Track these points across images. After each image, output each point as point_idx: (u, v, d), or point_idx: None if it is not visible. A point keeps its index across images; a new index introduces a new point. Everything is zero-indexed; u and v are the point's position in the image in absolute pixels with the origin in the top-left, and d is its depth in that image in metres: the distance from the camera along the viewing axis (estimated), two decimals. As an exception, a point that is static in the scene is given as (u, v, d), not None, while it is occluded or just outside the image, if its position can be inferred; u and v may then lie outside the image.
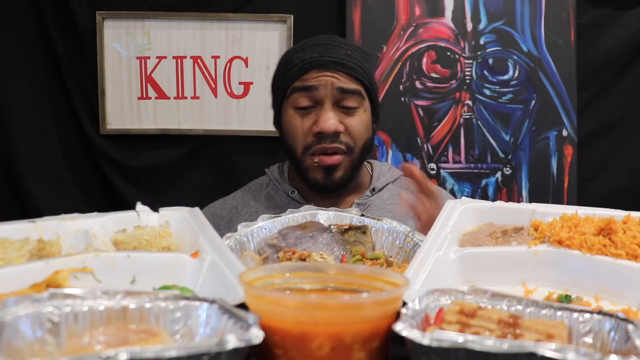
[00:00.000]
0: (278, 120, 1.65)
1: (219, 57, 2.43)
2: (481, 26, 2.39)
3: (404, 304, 0.82)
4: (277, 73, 1.66)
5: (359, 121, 1.57)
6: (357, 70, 1.56)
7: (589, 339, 0.79)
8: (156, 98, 2.44)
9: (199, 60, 2.43)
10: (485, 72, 2.40)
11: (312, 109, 1.55)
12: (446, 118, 2.39)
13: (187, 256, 1.04)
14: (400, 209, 1.54)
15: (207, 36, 2.41)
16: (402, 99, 2.39)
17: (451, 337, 0.69)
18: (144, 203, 1.21)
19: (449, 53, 2.38)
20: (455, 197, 1.66)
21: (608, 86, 2.44)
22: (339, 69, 1.54)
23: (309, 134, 1.55)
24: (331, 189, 1.61)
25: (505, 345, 0.67)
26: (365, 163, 1.73)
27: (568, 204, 2.35)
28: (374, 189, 1.67)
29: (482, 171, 2.41)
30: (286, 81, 1.58)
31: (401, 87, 2.39)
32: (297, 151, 1.58)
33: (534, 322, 0.79)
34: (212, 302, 0.79)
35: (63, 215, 1.13)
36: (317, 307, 0.77)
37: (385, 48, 2.37)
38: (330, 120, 1.52)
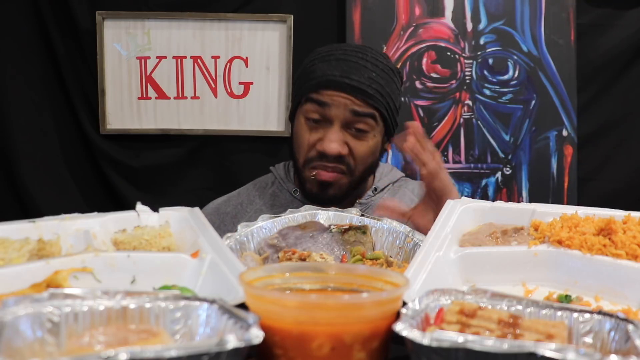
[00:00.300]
0: (293, 116, 1.65)
1: (219, 57, 2.43)
2: (481, 26, 2.39)
3: (404, 304, 0.82)
4: (300, 71, 1.64)
5: (367, 146, 1.56)
6: (375, 98, 1.53)
7: (589, 339, 0.79)
8: (156, 98, 2.44)
9: (199, 60, 2.43)
10: (485, 72, 2.40)
11: (322, 123, 1.54)
12: (446, 118, 2.39)
13: (187, 256, 1.04)
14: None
15: (207, 36, 2.41)
16: (402, 99, 2.39)
17: (451, 337, 0.69)
18: (144, 203, 1.21)
19: (449, 53, 2.38)
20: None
21: (608, 86, 2.43)
22: (356, 94, 1.51)
23: (312, 148, 1.55)
24: (326, 203, 1.58)
25: (505, 345, 0.67)
26: None
27: (568, 204, 2.35)
28: (376, 189, 1.68)
29: (482, 171, 2.41)
30: (304, 88, 1.57)
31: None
32: (299, 161, 1.59)
33: (534, 322, 0.79)
34: (212, 302, 0.79)
35: (63, 215, 1.13)
36: (317, 307, 0.77)
37: (385, 48, 2.37)
38: (334, 143, 1.51)
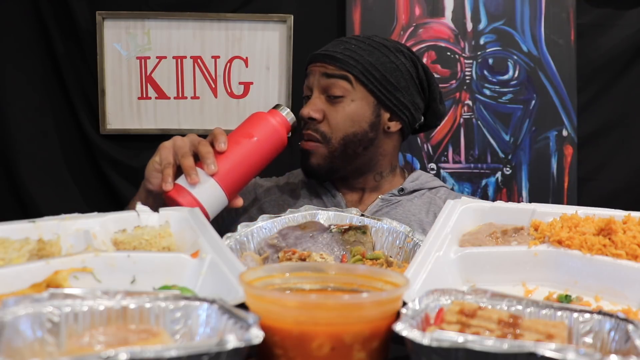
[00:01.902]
0: None
1: (219, 57, 2.43)
2: (481, 26, 2.39)
3: (404, 304, 0.82)
4: None
5: (342, 112, 1.58)
6: (346, 62, 1.58)
7: (589, 339, 0.79)
8: (156, 98, 2.44)
9: (199, 60, 2.43)
10: (485, 72, 2.40)
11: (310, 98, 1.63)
12: (446, 118, 2.39)
13: (187, 256, 1.04)
14: None
15: (207, 36, 2.42)
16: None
17: (451, 337, 0.69)
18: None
19: (449, 53, 2.39)
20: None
21: (608, 86, 2.43)
22: (326, 60, 1.59)
23: (300, 121, 1.63)
24: (310, 175, 1.65)
25: (505, 345, 0.67)
26: (403, 170, 1.76)
27: (568, 204, 2.35)
28: (402, 189, 1.67)
29: (482, 171, 2.41)
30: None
31: (401, 87, 2.39)
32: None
33: (534, 322, 0.79)
34: (212, 302, 0.79)
35: (63, 215, 1.13)
36: (317, 307, 0.77)
37: (385, 48, 2.36)
38: (306, 107, 1.59)
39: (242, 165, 1.40)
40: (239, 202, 1.40)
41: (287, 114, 1.50)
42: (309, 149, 1.60)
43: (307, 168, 1.63)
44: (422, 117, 1.71)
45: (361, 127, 1.60)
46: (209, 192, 1.34)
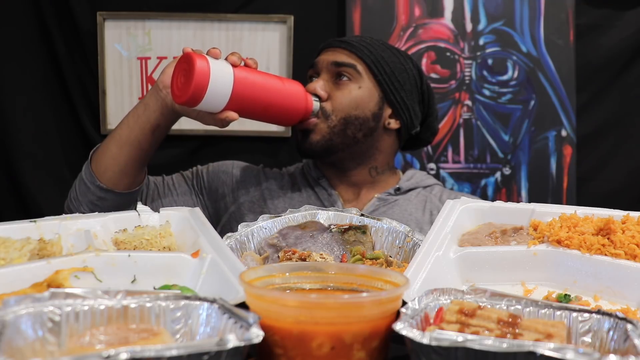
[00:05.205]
0: None
1: (219, 57, 2.43)
2: (480, 27, 2.39)
3: (404, 303, 0.82)
4: None
5: (347, 95, 1.61)
6: (359, 49, 1.63)
7: (588, 339, 0.79)
8: (156, 98, 2.44)
9: (199, 60, 2.43)
10: (485, 73, 2.40)
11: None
12: (446, 118, 2.39)
13: (187, 256, 1.05)
14: None
15: (207, 37, 2.42)
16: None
17: (451, 336, 0.69)
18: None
19: (448, 53, 2.39)
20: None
21: (607, 86, 2.44)
22: (341, 45, 1.65)
23: None
24: (307, 154, 1.66)
25: (505, 345, 0.68)
26: (399, 170, 1.80)
27: (567, 203, 2.35)
28: (398, 189, 1.70)
29: (481, 171, 2.41)
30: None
31: (401, 87, 2.39)
32: None
33: (533, 321, 0.79)
34: (212, 301, 0.79)
35: (64, 215, 1.14)
36: (317, 306, 0.77)
37: (385, 48, 2.37)
38: (313, 84, 1.61)
39: (258, 87, 1.43)
40: (234, 115, 1.42)
41: (315, 101, 1.57)
42: (308, 126, 1.60)
43: (304, 146, 1.63)
44: (419, 128, 1.75)
45: (364, 113, 1.63)
46: (222, 73, 1.37)
